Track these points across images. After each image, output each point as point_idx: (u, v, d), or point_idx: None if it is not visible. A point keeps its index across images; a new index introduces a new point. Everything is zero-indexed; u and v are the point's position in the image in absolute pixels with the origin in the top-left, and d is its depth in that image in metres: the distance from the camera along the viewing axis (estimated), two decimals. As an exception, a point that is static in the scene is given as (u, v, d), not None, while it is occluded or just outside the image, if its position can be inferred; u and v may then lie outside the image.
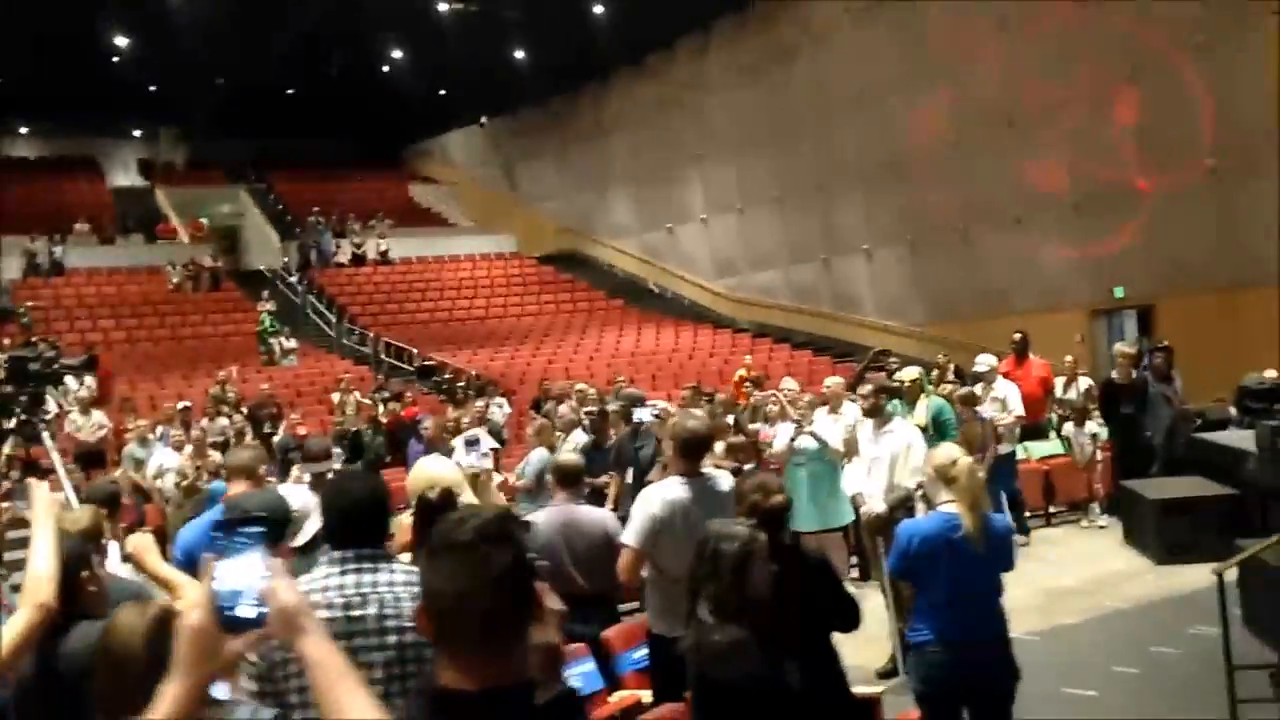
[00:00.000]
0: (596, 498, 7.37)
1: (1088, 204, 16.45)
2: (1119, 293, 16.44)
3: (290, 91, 28.74)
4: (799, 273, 22.55)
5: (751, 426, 9.63)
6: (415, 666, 2.53)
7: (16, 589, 2.82)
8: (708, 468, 4.58)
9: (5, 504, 6.63)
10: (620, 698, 4.46)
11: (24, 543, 2.88)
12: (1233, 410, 10.48)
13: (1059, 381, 11.66)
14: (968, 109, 17.92)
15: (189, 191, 28.97)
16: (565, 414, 9.25)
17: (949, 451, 4.29)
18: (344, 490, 2.79)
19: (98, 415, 13.36)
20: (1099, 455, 10.92)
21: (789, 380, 10.63)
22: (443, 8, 22.54)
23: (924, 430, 8.80)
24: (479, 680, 1.58)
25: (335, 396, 15.11)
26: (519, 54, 25.07)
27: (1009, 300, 17.79)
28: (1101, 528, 10.42)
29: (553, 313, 24.63)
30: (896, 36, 19.01)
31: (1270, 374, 10.32)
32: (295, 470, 6.21)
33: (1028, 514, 10.57)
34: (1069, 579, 8.53)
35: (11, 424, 6.18)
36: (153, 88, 27.45)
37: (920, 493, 4.79)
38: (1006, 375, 11.25)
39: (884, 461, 6.75)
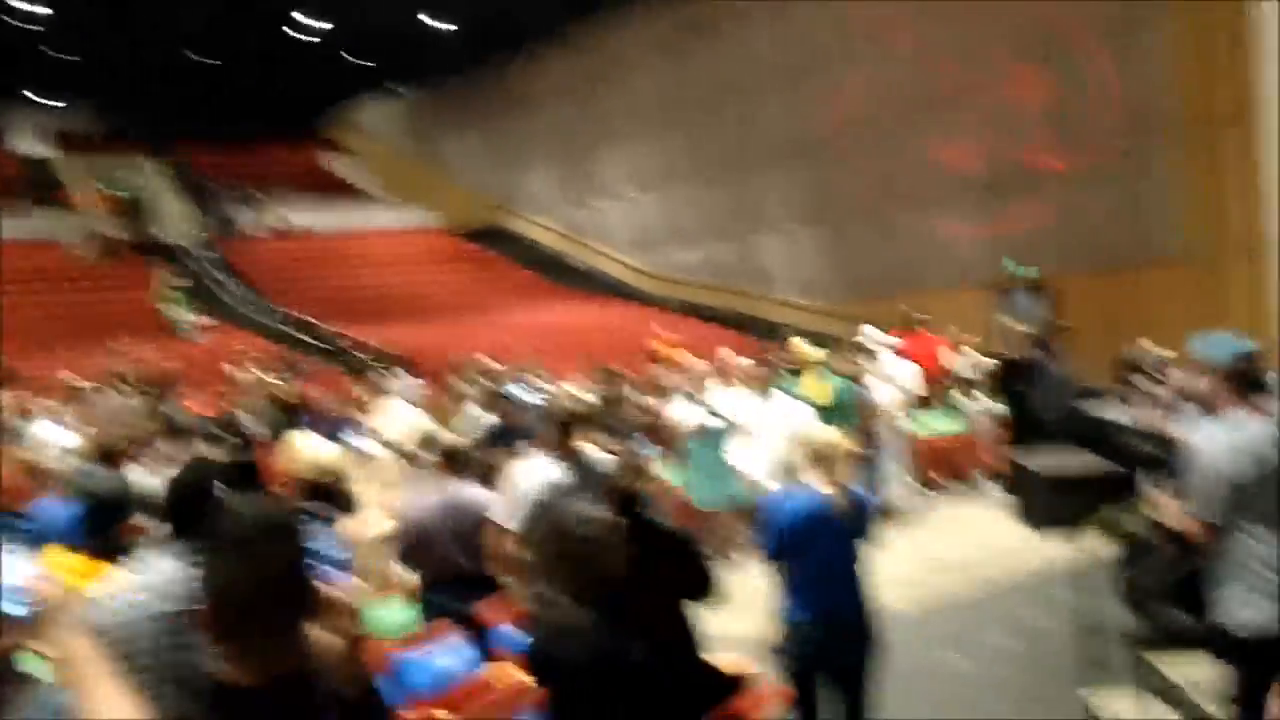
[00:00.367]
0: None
1: (999, 184, 16.77)
2: (1024, 271, 16.77)
3: (203, 59, 28.02)
4: (719, 251, 22.67)
5: (652, 402, 9.67)
6: (184, 654, 2.50)
7: None
8: (589, 448, 4.61)
9: None
10: (488, 670, 4.46)
11: None
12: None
13: (953, 357, 11.89)
14: (885, 89, 18.13)
15: (97, 161, 28.11)
16: (470, 389, 9.20)
17: (815, 428, 4.37)
18: (206, 472, 2.74)
19: (-13, 390, 12.92)
20: (993, 430, 11.18)
21: (687, 355, 10.70)
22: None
23: (825, 408, 8.99)
24: (255, 674, 1.58)
25: (232, 370, 14.79)
26: (440, 24, 24.72)
27: (922, 279, 18.08)
28: (995, 500, 10.67)
29: (469, 287, 24.43)
30: (816, 15, 19.15)
31: (1149, 347, 10.62)
32: (160, 447, 6.11)
33: (920, 486, 10.82)
34: (955, 552, 8.73)
35: None
36: (61, 55, 26.56)
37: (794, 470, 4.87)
38: (904, 352, 11.47)
39: (769, 435, 6.84)
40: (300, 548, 1.66)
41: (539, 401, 6.40)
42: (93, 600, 2.22)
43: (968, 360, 12.02)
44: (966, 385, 11.80)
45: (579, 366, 16.16)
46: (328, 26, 25.47)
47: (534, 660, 2.95)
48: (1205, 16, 13.04)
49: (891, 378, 10.34)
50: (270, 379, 14.34)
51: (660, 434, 9.32)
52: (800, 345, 9.66)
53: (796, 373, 9.43)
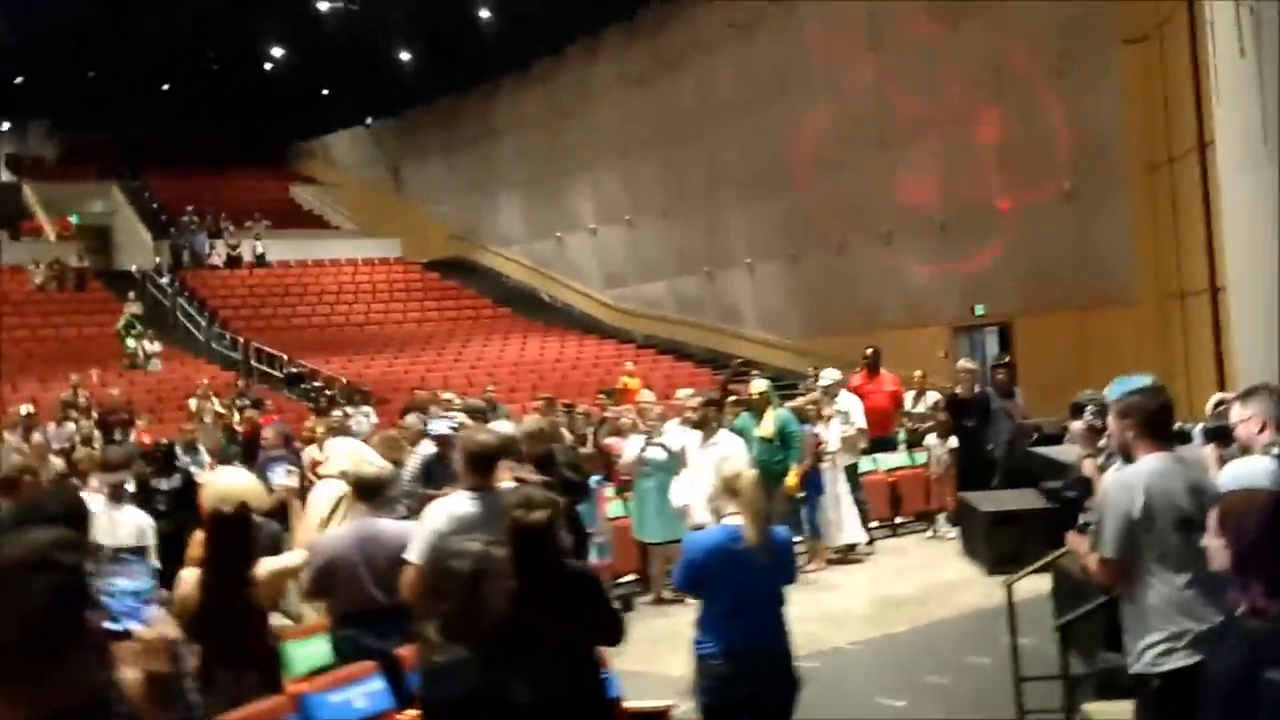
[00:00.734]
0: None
1: (953, 221, 16.90)
2: (979, 310, 16.89)
3: (166, 86, 27.96)
4: (684, 285, 22.72)
5: (608, 440, 9.64)
6: None
7: None
8: (506, 482, 4.55)
9: None
10: (408, 716, 4.38)
11: None
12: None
13: (909, 395, 11.91)
14: (844, 123, 18.28)
15: (58, 187, 28.02)
16: (412, 424, 9.12)
17: (734, 464, 4.33)
18: (39, 507, 2.66)
19: (-67, 419, 12.76)
20: (945, 467, 11.18)
21: (646, 392, 10.69)
22: (324, 6, 22.16)
23: (770, 441, 8.98)
24: (23, 711, 1.52)
25: (192, 403, 14.68)
26: (405, 55, 24.79)
27: (879, 314, 18.16)
28: (949, 539, 10.66)
29: (436, 320, 24.36)
30: (777, 49, 19.33)
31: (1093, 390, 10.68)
32: (93, 480, 6.00)
33: (874, 524, 10.79)
34: (903, 588, 8.70)
35: None
36: (19, 79, 26.44)
37: (709, 505, 4.84)
38: (858, 389, 11.47)
39: (708, 472, 6.80)
40: (67, 584, 1.60)
41: (447, 431, 6.31)
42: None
43: (922, 398, 12.03)
44: (920, 422, 11.81)
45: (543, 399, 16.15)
46: (297, 55, 25.49)
47: (419, 701, 2.88)
48: (1155, 56, 13.22)
49: (845, 414, 10.32)
50: (221, 410, 14.25)
51: (609, 468, 9.28)
52: (754, 382, 9.66)
53: (747, 406, 9.43)
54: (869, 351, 11.91)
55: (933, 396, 11.93)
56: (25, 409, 12.90)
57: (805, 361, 17.69)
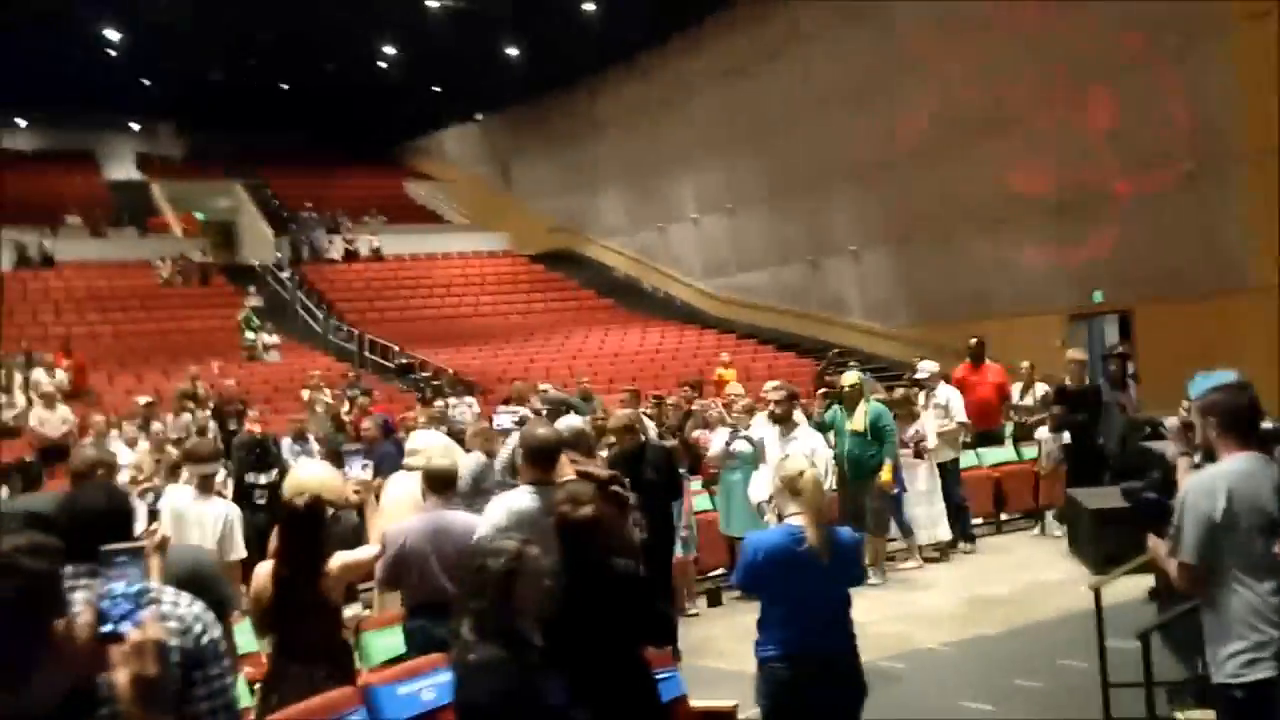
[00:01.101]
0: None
1: (1068, 206, 16.33)
2: (1097, 297, 16.30)
3: (285, 87, 28.83)
4: (787, 274, 22.49)
5: (695, 433, 9.58)
6: None
7: None
8: (569, 476, 4.53)
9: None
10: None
11: None
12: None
13: (1016, 387, 11.54)
14: (951, 109, 17.81)
15: (185, 185, 29.10)
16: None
17: (796, 463, 4.23)
18: (86, 501, 2.72)
19: (63, 410, 13.38)
20: (1054, 463, 10.80)
21: (735, 384, 10.59)
22: (434, 4, 22.53)
23: (863, 435, 8.79)
24: None
25: (305, 393, 15.09)
26: (513, 50, 25.06)
27: (990, 303, 17.67)
28: (1057, 538, 10.31)
29: (541, 312, 24.62)
30: (881, 36, 18.92)
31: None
32: (184, 472, 6.20)
33: (977, 522, 10.51)
34: (1001, 588, 8.45)
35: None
36: (148, 82, 27.58)
37: (772, 504, 4.73)
38: (962, 380, 11.18)
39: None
40: (29, 589, 1.61)
41: (511, 425, 6.32)
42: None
43: (1031, 390, 11.65)
44: (1028, 415, 11.44)
45: (643, 390, 16.16)
46: (408, 55, 25.98)
47: (454, 701, 2.88)
48: (1272, 35, 12.53)
49: (943, 408, 10.07)
50: (330, 400, 14.61)
51: (697, 461, 9.23)
52: (846, 373, 9.49)
53: (838, 399, 9.26)
54: (973, 341, 11.59)
55: (1041, 388, 11.55)
56: (145, 400, 13.42)
57: (912, 351, 17.31)
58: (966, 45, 17.24)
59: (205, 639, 2.46)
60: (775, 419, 7.01)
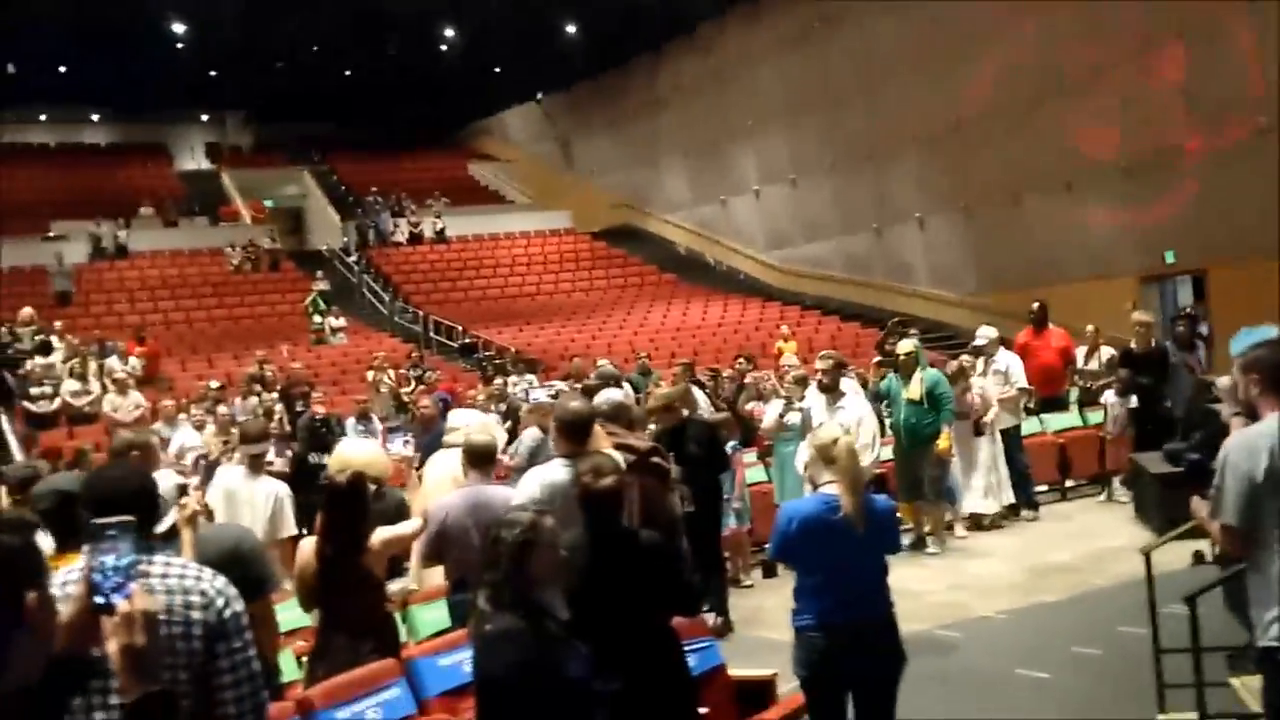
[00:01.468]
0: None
1: (1137, 167, 15.88)
2: (1169, 258, 15.86)
3: (348, 73, 29.17)
4: (851, 243, 22.24)
5: (749, 405, 9.54)
6: (168, 658, 2.51)
7: None
8: (605, 448, 4.53)
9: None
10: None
11: None
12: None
13: (1080, 352, 11.28)
14: (1016, 72, 17.42)
15: (254, 174, 29.60)
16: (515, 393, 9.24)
17: (829, 431, 4.18)
18: (104, 478, 2.77)
19: (135, 395, 13.74)
20: (1121, 427, 10.55)
21: (788, 355, 10.50)
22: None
23: (919, 403, 8.68)
24: None
25: (369, 374, 15.31)
26: (572, 28, 25.04)
27: (1060, 268, 17.30)
28: (1123, 503, 10.10)
29: (604, 289, 24.65)
30: (942, 2, 18.53)
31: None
32: (237, 453, 6.33)
33: (1042, 489, 10.33)
34: (1063, 555, 8.29)
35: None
36: (215, 73, 28.09)
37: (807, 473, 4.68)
38: (1024, 346, 10.97)
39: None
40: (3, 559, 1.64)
41: (547, 400, 6.33)
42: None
43: (1095, 354, 11.37)
44: (1093, 380, 11.18)
45: (704, 364, 16.12)
46: (468, 36, 26.12)
47: (474, 672, 2.90)
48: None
49: (1003, 374, 9.89)
50: (393, 381, 14.81)
51: (751, 433, 9.19)
52: (901, 341, 9.37)
53: (893, 367, 9.16)
54: (1035, 305, 11.34)
55: (1107, 352, 11.27)
56: (214, 385, 13.72)
57: (980, 319, 16.99)
58: (1030, 7, 16.82)
59: (228, 612, 2.50)
60: (823, 389, 6.94)
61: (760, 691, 4.47)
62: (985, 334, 10.01)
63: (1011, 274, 18.27)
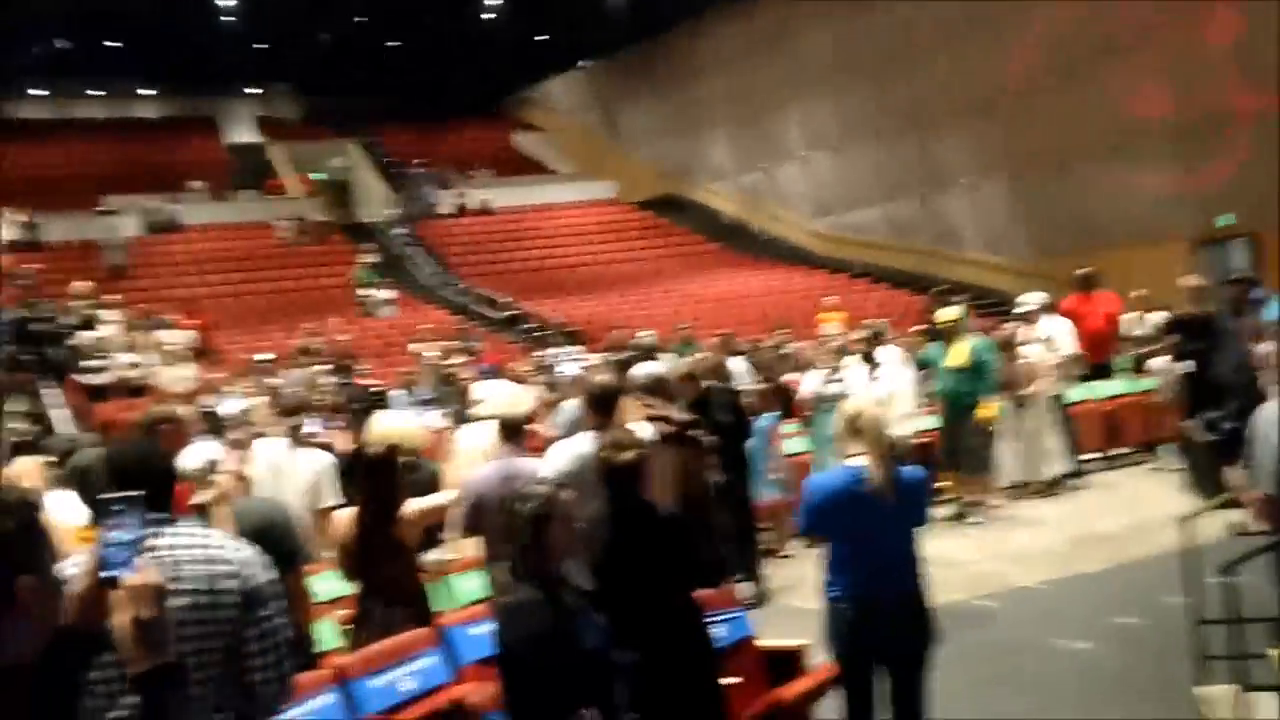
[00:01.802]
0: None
1: (1189, 130, 15.55)
2: (1222, 221, 15.52)
3: (393, 44, 29.25)
4: (898, 210, 21.99)
5: (787, 375, 9.50)
6: (196, 628, 2.57)
7: None
8: (636, 422, 4.55)
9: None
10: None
11: None
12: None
13: (1129, 318, 11.09)
14: (1065, 34, 17.09)
15: (302, 147, 29.77)
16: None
17: (856, 402, 4.16)
18: (119, 453, 2.82)
19: (186, 368, 13.97)
20: (1171, 394, 10.36)
21: (828, 325, 10.44)
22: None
23: (961, 371, 8.59)
24: None
25: (413, 346, 15.43)
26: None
27: (1111, 232, 17.01)
28: (1173, 471, 9.94)
29: (648, 259, 24.59)
30: (989, -40, 18.19)
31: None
32: (280, 425, 6.40)
33: (1088, 457, 10.21)
34: (1108, 525, 8.21)
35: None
36: (263, 45, 28.29)
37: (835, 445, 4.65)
38: (1072, 311, 10.82)
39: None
40: None
41: (575, 373, 6.35)
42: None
43: (1144, 319, 11.18)
44: (1141, 346, 10.99)
45: (749, 333, 16.06)
46: (512, 5, 26.07)
47: (496, 643, 2.94)
48: None
49: (1050, 340, 9.76)
50: (437, 355, 14.91)
51: (790, 404, 9.16)
52: (944, 309, 9.27)
53: (937, 335, 9.07)
54: (1082, 271, 11.17)
55: (1156, 317, 11.06)
56: (263, 356, 13.91)
57: (1029, 285, 16.69)
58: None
59: (257, 580, 2.56)
60: (862, 357, 6.89)
61: (790, 662, 4.49)
62: (1030, 300, 9.87)
63: (1061, 239, 18.00)
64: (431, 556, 5.42)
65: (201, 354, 16.20)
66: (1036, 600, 6.67)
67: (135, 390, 14.37)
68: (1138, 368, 11.01)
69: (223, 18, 25.35)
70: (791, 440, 8.78)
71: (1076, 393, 10.42)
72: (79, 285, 16.76)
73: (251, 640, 2.53)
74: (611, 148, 29.87)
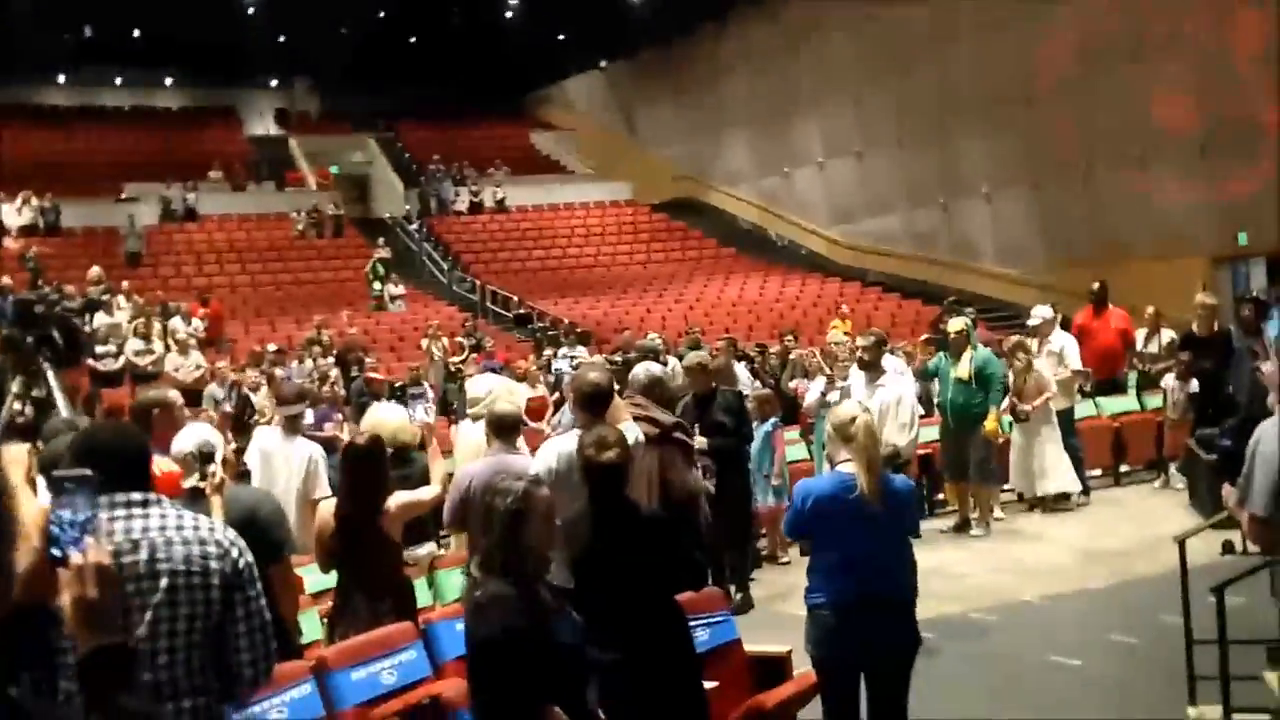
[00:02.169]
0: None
1: (1214, 141, 15.41)
2: (1242, 239, 15.38)
3: (414, 40, 29.30)
4: (917, 218, 21.88)
5: (793, 382, 9.44)
6: (187, 608, 2.56)
7: None
8: (626, 422, 4.50)
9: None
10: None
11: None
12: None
13: (1140, 334, 10.98)
14: (1089, 40, 16.98)
15: (321, 140, 29.88)
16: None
17: (848, 409, 4.11)
18: (87, 435, 2.80)
19: (196, 356, 14.01)
20: (1180, 412, 10.26)
21: (834, 332, 10.37)
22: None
23: (968, 383, 8.52)
24: None
25: (424, 342, 15.45)
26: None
27: (1130, 246, 16.89)
28: (1180, 490, 9.84)
29: (662, 261, 24.54)
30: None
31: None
32: (277, 414, 6.40)
33: (1095, 473, 10.11)
34: (1112, 541, 8.11)
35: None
36: (283, 39, 28.39)
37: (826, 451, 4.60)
38: (1083, 326, 10.73)
39: (873, 415, 6.49)
40: None
41: (570, 371, 6.31)
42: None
43: (1156, 336, 11.07)
44: (1153, 363, 10.89)
45: (761, 340, 16.00)
46: (531, 2, 26.05)
47: (466, 638, 2.90)
48: None
49: (1059, 354, 9.67)
50: (446, 348, 14.93)
51: (793, 410, 9.10)
52: (952, 319, 9.19)
53: (943, 345, 9.00)
54: (1095, 285, 11.07)
55: (1168, 335, 10.96)
56: (272, 347, 13.95)
57: (1048, 297, 16.61)
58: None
59: (242, 562, 2.59)
60: (863, 366, 6.84)
61: (775, 667, 4.43)
62: (1040, 313, 9.79)
63: (1080, 251, 17.86)
64: (421, 551, 5.39)
65: (211, 343, 16.26)
66: (1035, 615, 6.60)
67: (144, 376, 14.42)
68: (1147, 385, 10.91)
69: (246, 9, 25.45)
70: (793, 447, 8.72)
71: (1084, 408, 10.31)
72: (94, 271, 16.86)
73: (239, 620, 2.56)
74: (629, 148, 29.84)
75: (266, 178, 27.25)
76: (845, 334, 10.46)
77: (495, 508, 2.84)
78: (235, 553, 2.60)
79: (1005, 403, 8.80)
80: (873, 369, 6.73)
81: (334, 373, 13.46)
